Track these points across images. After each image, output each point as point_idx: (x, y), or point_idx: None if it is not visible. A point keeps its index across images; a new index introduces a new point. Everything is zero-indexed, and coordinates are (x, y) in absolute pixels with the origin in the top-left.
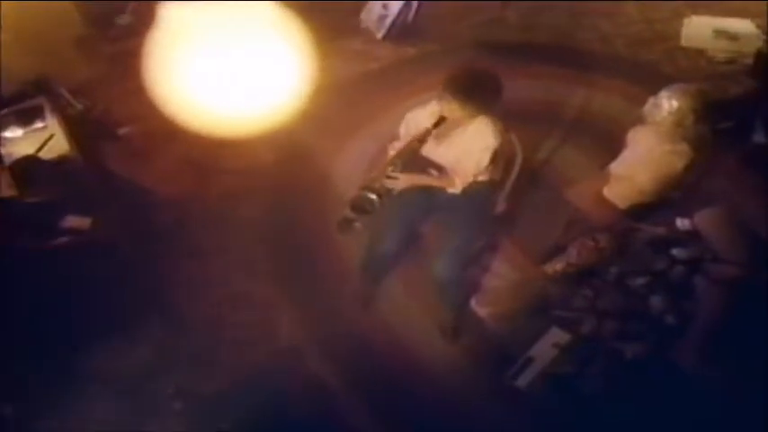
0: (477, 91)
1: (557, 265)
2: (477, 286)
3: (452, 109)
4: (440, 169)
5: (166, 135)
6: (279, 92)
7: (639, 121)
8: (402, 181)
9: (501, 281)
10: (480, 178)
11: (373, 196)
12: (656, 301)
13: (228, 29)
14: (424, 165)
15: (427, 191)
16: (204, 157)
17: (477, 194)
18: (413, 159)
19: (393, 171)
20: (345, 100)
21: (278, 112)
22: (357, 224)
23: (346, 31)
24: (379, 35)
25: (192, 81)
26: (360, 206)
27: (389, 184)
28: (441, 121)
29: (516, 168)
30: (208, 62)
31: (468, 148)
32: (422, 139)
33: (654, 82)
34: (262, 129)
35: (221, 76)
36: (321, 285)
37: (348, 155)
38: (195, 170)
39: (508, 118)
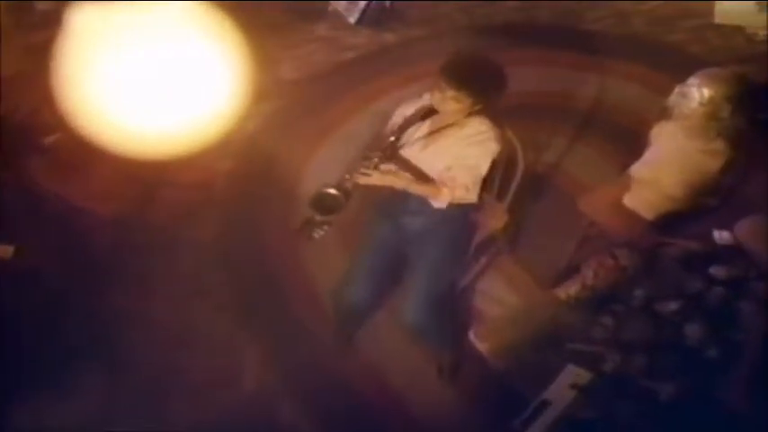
0: (477, 80)
1: (570, 289)
2: (476, 315)
3: (446, 99)
4: (425, 179)
5: (103, 144)
6: (232, 90)
7: (664, 114)
8: (376, 179)
9: (503, 308)
10: (471, 195)
11: (334, 191)
12: (691, 331)
13: (167, 24)
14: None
15: (395, 220)
16: (148, 169)
17: (450, 221)
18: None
19: (367, 167)
20: (313, 97)
21: (232, 115)
22: (316, 232)
23: (311, 16)
24: (352, 19)
25: (131, 82)
26: (319, 203)
27: (361, 181)
28: (429, 112)
29: (518, 173)
30: (148, 61)
31: (462, 153)
32: (402, 128)
33: (680, 67)
34: (214, 134)
35: (163, 76)
36: (292, 318)
37: (319, 162)
38: (137, 185)
39: (506, 113)
